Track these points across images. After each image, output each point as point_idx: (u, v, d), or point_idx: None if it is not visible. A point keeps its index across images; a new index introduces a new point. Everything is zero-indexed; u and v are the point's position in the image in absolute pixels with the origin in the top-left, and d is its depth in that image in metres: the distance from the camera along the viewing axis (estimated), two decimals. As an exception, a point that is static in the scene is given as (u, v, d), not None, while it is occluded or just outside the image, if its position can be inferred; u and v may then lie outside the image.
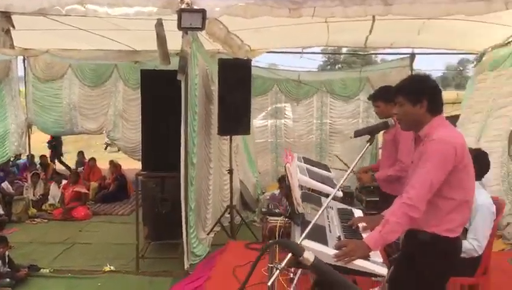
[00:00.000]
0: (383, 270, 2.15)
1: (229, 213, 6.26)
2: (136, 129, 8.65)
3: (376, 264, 2.17)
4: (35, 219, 7.63)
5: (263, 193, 8.45)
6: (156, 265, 5.28)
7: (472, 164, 2.51)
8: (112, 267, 5.27)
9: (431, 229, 2.48)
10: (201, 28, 4.66)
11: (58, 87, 9.51)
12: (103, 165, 10.26)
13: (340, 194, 2.78)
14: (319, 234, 2.28)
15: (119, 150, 10.49)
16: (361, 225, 2.64)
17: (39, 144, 11.72)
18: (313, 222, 2.16)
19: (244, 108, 5.97)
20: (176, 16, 4.59)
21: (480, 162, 3.37)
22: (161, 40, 4.83)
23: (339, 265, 2.11)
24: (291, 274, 3.49)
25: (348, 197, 5.50)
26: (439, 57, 8.88)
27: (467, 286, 3.55)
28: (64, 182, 8.53)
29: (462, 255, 2.90)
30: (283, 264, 1.79)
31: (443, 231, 2.47)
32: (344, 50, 14.52)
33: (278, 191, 7.19)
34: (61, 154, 11.76)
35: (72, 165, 11.38)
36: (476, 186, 2.67)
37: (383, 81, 8.28)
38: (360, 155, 2.55)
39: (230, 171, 6.24)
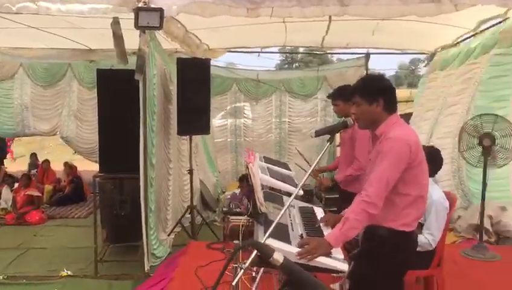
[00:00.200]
0: (344, 267, 2.21)
1: (189, 213, 6.22)
2: (92, 130, 8.46)
3: (337, 261, 2.22)
4: (-14, 225, 7.31)
5: (223, 192, 8.46)
6: (115, 268, 5.17)
7: (426, 160, 2.61)
8: (69, 272, 5.12)
9: (388, 224, 2.56)
10: (159, 27, 4.59)
11: (9, 87, 9.14)
12: (58, 167, 9.96)
13: (300, 192, 2.82)
14: (281, 233, 2.32)
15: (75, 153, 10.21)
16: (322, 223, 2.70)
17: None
18: (276, 221, 2.19)
19: (204, 108, 5.94)
20: (133, 14, 4.52)
21: (434, 159, 3.51)
22: (118, 39, 4.74)
23: (302, 263, 2.15)
24: (254, 273, 3.52)
25: (307, 195, 5.59)
26: (392, 56, 9.16)
27: (423, 277, 3.70)
28: (16, 185, 8.23)
29: (418, 249, 3.01)
30: (247, 263, 1.81)
31: (399, 225, 2.55)
32: (301, 49, 14.71)
33: (239, 190, 7.21)
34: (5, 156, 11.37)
35: (25, 168, 10.99)
36: (429, 183, 2.78)
37: (340, 80, 8.48)
38: (321, 155, 2.60)
39: (191, 171, 6.20)
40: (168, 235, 6.01)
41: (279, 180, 3.18)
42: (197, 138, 6.99)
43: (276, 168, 3.64)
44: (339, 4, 4.57)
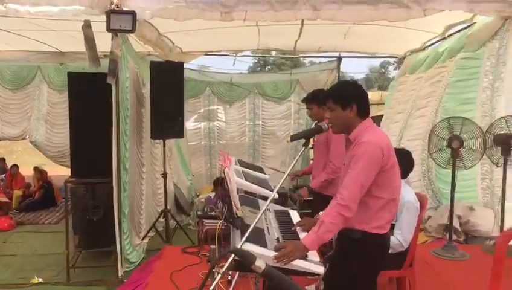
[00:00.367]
0: (320, 269, 2.24)
1: (163, 217, 6.18)
2: (63, 134, 8.29)
3: (313, 263, 2.26)
4: (-48, 232, 7.07)
5: (197, 195, 8.42)
6: (88, 274, 5.08)
7: (398, 163, 2.67)
8: (41, 279, 5.01)
9: (361, 226, 2.60)
10: (132, 30, 4.55)
11: (-25, 90, 8.88)
12: (27, 172, 9.73)
13: (275, 195, 2.85)
14: (258, 237, 2.33)
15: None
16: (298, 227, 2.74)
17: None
18: (252, 225, 2.21)
19: (177, 111, 5.90)
20: (104, 17, 4.46)
21: (405, 161, 3.58)
22: (89, 42, 4.67)
23: (279, 266, 2.17)
24: (229, 276, 3.53)
25: (282, 198, 5.61)
26: (363, 60, 9.35)
27: (395, 278, 3.78)
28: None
29: (390, 250, 3.07)
30: (224, 268, 1.82)
31: (372, 228, 2.60)
32: (273, 52, 14.80)
33: (213, 194, 7.18)
34: None
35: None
36: (402, 184, 2.84)
37: (312, 82, 8.58)
38: (296, 159, 2.63)
39: (165, 175, 6.15)
40: (142, 239, 5.95)
41: (254, 183, 3.20)
42: (170, 142, 6.94)
43: (251, 171, 3.64)
44: (312, 8, 4.64)
